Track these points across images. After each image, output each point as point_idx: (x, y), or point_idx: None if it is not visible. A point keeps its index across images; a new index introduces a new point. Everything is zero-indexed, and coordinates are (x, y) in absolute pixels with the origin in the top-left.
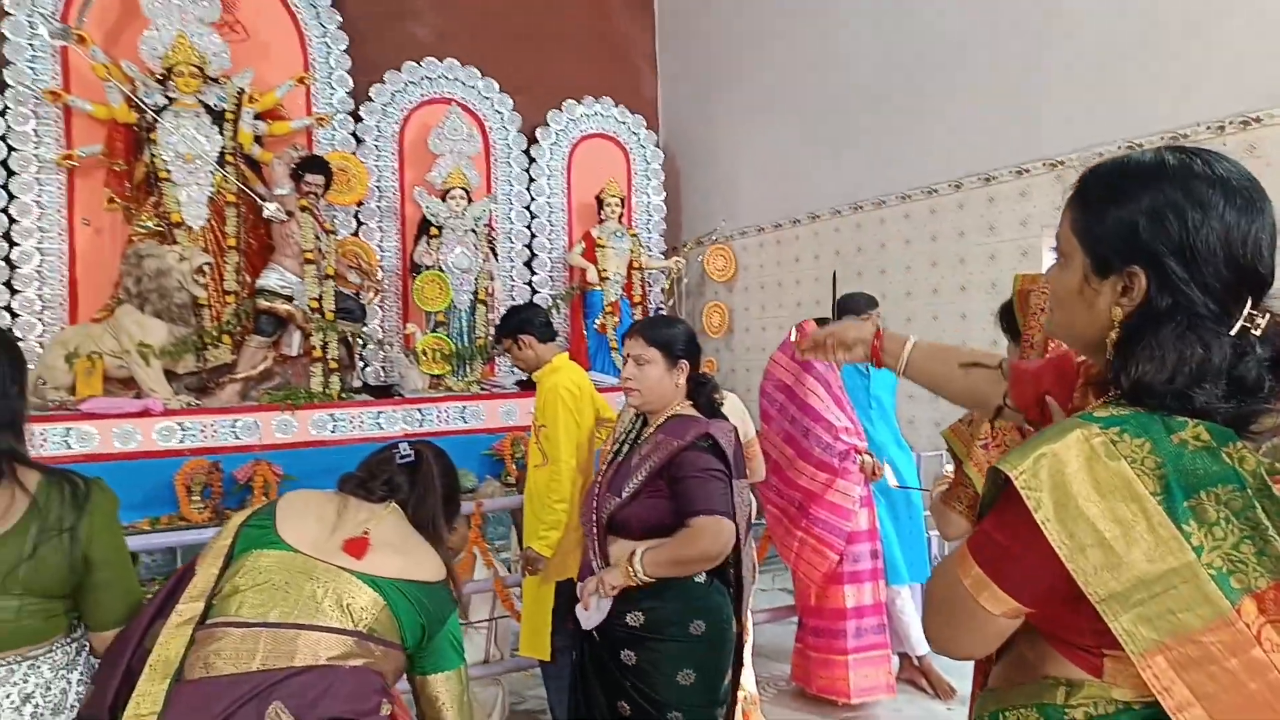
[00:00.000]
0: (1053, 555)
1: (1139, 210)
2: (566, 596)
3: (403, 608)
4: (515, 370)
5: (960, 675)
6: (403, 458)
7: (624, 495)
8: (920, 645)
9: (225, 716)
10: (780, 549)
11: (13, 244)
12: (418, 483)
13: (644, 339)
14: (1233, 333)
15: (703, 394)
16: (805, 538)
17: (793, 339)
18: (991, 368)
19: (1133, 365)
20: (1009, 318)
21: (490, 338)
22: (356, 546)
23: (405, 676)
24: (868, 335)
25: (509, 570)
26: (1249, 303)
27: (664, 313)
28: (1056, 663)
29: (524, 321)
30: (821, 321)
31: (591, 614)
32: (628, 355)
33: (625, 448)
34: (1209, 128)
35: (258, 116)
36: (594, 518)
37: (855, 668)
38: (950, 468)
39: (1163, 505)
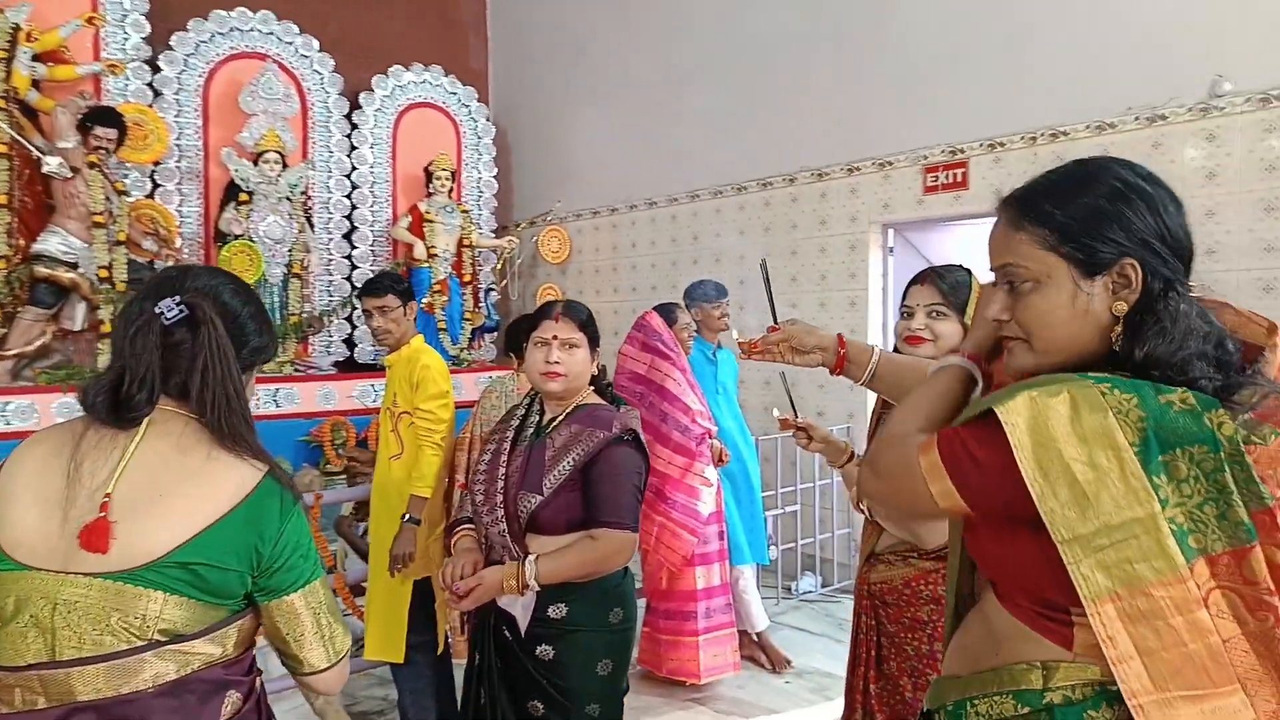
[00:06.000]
0: (1018, 481)
1: (1110, 206)
2: (421, 595)
3: (196, 581)
4: (330, 350)
5: (797, 650)
6: (169, 320)
7: (546, 492)
8: (760, 621)
9: None
10: None
11: None
12: (198, 351)
13: (575, 323)
14: None
15: (600, 381)
16: (665, 522)
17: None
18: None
19: (1140, 345)
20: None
21: (306, 314)
22: (95, 537)
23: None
24: (829, 344)
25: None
26: None
27: (495, 293)
28: (1026, 640)
29: (408, 290)
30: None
31: (518, 610)
32: (553, 337)
33: (523, 436)
34: (1023, 138)
35: (36, 58)
36: (504, 515)
37: (705, 648)
38: (777, 412)
39: (1138, 455)
